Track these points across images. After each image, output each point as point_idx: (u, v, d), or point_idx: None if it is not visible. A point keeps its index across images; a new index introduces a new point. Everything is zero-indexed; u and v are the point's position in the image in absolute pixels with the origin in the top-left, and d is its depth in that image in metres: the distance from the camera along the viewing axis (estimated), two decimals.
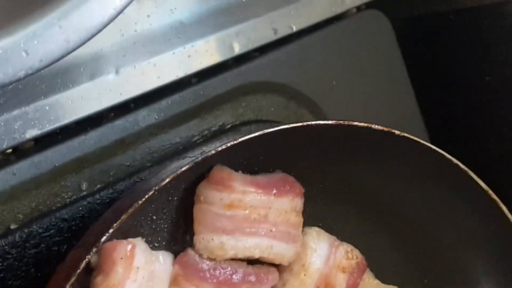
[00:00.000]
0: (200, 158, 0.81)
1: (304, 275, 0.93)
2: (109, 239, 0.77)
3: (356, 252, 0.96)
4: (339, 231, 0.98)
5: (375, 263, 1.01)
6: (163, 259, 0.88)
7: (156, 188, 0.79)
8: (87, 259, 0.75)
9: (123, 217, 0.77)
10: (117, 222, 0.77)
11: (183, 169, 0.80)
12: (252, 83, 1.06)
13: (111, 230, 0.77)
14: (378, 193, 0.98)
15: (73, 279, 0.74)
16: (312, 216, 0.97)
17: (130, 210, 0.78)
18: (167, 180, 0.80)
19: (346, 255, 0.95)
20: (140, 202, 0.78)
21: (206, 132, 1.03)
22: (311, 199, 0.94)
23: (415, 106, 1.15)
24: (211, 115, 1.03)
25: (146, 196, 0.79)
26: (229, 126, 1.03)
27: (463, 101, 1.18)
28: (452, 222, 0.99)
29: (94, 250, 0.76)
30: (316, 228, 0.95)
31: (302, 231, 0.94)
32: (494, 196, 0.96)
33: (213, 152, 0.82)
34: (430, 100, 1.18)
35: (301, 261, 0.93)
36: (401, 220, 1.00)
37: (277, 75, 1.07)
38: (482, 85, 1.16)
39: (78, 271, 0.75)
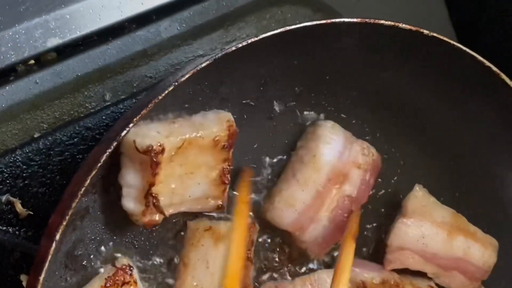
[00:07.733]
0: (220, 55, 0.80)
1: (314, 164, 0.90)
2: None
3: (373, 149, 0.93)
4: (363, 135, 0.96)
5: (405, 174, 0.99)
6: None
7: (176, 83, 0.78)
8: (107, 153, 0.75)
9: (143, 112, 0.76)
10: (137, 117, 0.76)
11: (203, 65, 0.79)
12: None
13: (131, 125, 0.76)
14: (403, 96, 0.95)
15: (94, 172, 0.74)
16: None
17: (150, 105, 0.77)
18: (187, 76, 0.78)
19: (362, 151, 0.91)
20: (159, 97, 0.77)
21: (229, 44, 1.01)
22: (334, 100, 0.91)
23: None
24: (235, 27, 1.01)
25: (166, 92, 0.77)
26: None
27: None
28: (480, 125, 0.96)
29: (114, 144, 0.75)
30: (331, 122, 0.92)
31: (316, 123, 0.92)
32: None
33: (233, 48, 0.80)
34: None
35: (312, 152, 0.91)
36: (426, 123, 0.97)
37: None
38: None
39: (99, 164, 0.74)
